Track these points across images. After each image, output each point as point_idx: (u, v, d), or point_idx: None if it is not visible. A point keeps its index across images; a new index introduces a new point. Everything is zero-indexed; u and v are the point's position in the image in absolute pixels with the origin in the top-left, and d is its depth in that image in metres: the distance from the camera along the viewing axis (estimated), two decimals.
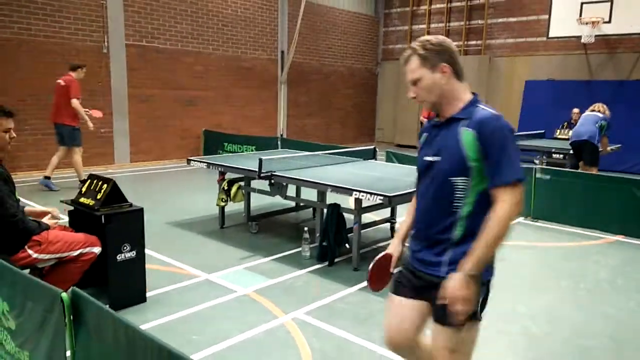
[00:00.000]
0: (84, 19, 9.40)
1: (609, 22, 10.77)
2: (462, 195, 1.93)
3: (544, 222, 6.43)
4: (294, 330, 3.39)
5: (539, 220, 6.49)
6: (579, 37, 11.20)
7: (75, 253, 3.29)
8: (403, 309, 2.17)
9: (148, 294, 3.81)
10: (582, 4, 11.06)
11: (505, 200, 1.84)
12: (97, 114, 8.03)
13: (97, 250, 3.43)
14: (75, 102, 7.40)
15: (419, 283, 2.07)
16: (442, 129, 1.99)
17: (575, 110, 10.67)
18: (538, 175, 6.50)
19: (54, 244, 3.27)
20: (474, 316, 1.93)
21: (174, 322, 3.48)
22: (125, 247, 3.59)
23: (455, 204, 1.95)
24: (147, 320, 3.47)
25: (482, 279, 1.90)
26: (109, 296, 3.59)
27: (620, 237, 5.85)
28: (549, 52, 12.74)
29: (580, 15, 11.05)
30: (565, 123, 10.74)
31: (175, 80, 10.92)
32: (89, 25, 9.49)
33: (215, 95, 11.72)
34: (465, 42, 14.42)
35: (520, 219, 6.58)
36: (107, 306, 3.52)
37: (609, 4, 10.77)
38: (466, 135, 1.89)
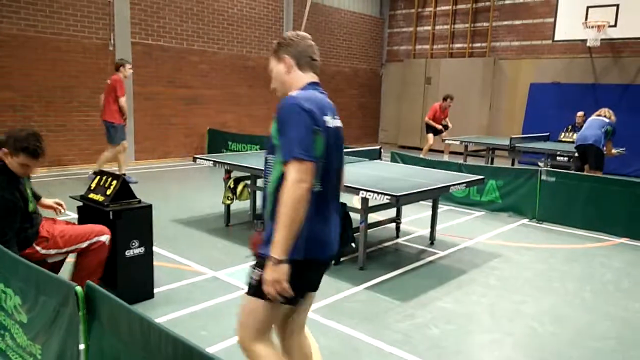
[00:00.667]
0: (90, 17, 9.43)
1: (615, 25, 10.77)
2: (270, 172, 2.03)
3: (549, 224, 6.44)
4: None
5: (543, 222, 6.50)
6: (585, 41, 11.20)
7: (84, 245, 3.31)
8: None
9: (155, 290, 3.83)
10: (588, 7, 11.06)
11: (287, 178, 1.86)
12: None
13: (104, 238, 3.39)
14: (122, 101, 7.73)
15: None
16: None
17: (580, 113, 10.68)
18: (543, 177, 6.50)
19: (61, 238, 3.29)
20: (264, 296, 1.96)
21: (182, 318, 3.49)
22: (134, 243, 3.60)
23: (267, 181, 2.04)
24: (156, 317, 3.47)
25: (288, 258, 1.87)
26: (118, 291, 3.60)
27: (624, 240, 5.86)
28: (554, 55, 12.74)
29: (586, 18, 11.05)
30: (570, 126, 10.75)
31: (180, 78, 10.94)
32: (95, 22, 9.51)
33: (220, 94, 11.74)
34: (471, 45, 14.43)
35: (525, 221, 6.60)
36: None
37: (615, 7, 10.76)
38: (274, 117, 2.02)
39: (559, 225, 6.38)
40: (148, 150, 10.53)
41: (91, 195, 3.72)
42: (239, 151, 10.44)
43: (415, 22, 15.45)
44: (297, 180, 1.83)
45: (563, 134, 10.68)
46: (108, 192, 3.64)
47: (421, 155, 10.60)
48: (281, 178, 1.91)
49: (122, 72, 7.82)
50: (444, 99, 11.07)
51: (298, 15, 12.99)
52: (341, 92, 15.03)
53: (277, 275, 1.86)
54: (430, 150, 11.36)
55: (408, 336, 3.36)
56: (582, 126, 10.63)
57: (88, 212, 3.74)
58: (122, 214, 3.55)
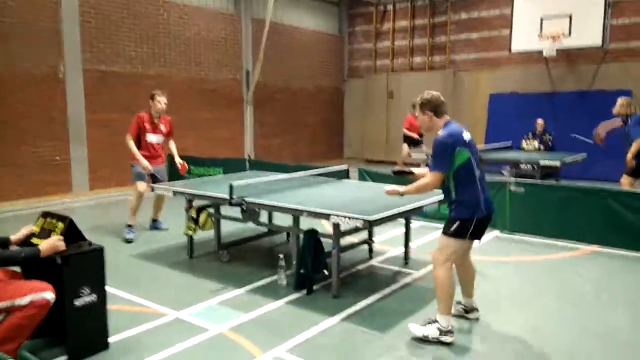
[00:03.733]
0: (37, 44, 8.96)
1: (569, 35, 11.04)
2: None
3: (521, 235, 6.37)
4: None
5: (516, 233, 6.43)
6: (541, 51, 11.44)
7: (24, 301, 2.92)
8: None
9: (111, 339, 3.46)
10: (542, 19, 11.32)
11: (428, 177, 3.50)
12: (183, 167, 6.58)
13: (49, 295, 3.03)
14: (126, 138, 6.32)
15: None
16: None
17: (540, 121, 10.82)
18: (512, 188, 6.45)
19: None
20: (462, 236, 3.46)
21: None
22: (84, 291, 3.25)
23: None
24: None
25: (469, 216, 3.42)
26: (67, 346, 3.24)
27: (595, 247, 5.83)
28: (512, 66, 12.99)
29: (541, 30, 11.30)
30: (531, 133, 10.86)
31: (136, 104, 10.45)
32: (42, 49, 9.05)
33: (179, 119, 11.32)
34: (430, 58, 14.58)
35: (497, 233, 6.51)
36: (66, 357, 3.20)
37: (568, 18, 11.05)
38: None
39: (531, 235, 6.32)
40: (104, 179, 10.02)
41: (34, 240, 3.35)
42: (202, 175, 10.08)
43: (375, 38, 15.54)
44: (432, 182, 3.46)
45: (524, 142, 10.79)
46: (53, 236, 3.28)
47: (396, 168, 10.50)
48: (456, 172, 3.44)
49: (150, 103, 6.49)
50: (414, 107, 11.07)
51: (257, 35, 12.81)
52: (305, 109, 14.89)
53: (394, 194, 3.74)
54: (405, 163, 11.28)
55: None
56: (542, 133, 10.82)
57: (31, 260, 3.36)
58: (70, 260, 3.19)
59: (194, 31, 11.57)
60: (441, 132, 3.46)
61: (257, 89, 12.97)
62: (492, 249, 5.86)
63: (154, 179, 6.47)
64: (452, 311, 3.72)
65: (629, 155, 6.98)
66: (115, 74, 10.10)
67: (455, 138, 3.40)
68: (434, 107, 3.52)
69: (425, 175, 3.55)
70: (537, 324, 3.84)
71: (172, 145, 6.72)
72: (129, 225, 6.36)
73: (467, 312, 3.92)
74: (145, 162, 6.20)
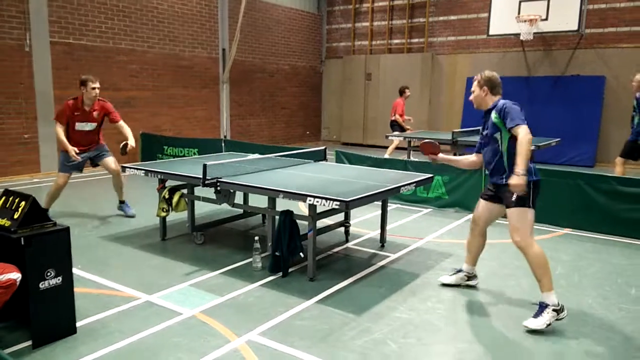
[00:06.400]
0: (2, 15, 8.53)
1: (546, 19, 11.09)
2: (495, 148, 3.72)
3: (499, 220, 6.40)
4: (250, 356, 3.07)
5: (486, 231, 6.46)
6: (518, 35, 11.47)
7: None
8: (482, 205, 4.02)
9: (79, 324, 3.35)
10: (520, 2, 11.33)
11: (519, 133, 3.43)
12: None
13: (14, 276, 2.93)
14: (55, 126, 5.98)
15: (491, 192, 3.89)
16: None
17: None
18: (487, 171, 6.47)
19: None
20: (527, 204, 3.54)
21: (110, 355, 3.05)
22: (49, 273, 3.11)
23: (497, 152, 3.69)
24: (79, 356, 3.02)
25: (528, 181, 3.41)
26: (32, 331, 3.11)
27: (568, 230, 5.93)
28: (489, 50, 13.02)
29: (519, 13, 11.32)
30: None
31: (108, 80, 10.16)
32: (8, 21, 8.62)
33: (153, 96, 11.07)
34: (408, 40, 14.50)
35: (471, 215, 6.54)
36: (30, 342, 3.08)
37: (545, 2, 11.08)
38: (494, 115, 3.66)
39: (505, 218, 6.36)
40: None
41: None
42: (176, 156, 9.87)
43: (353, 18, 15.35)
44: (526, 133, 3.40)
45: None
46: (16, 216, 3.12)
47: (386, 156, 10.47)
48: (510, 139, 3.54)
49: (82, 90, 6.00)
50: (403, 92, 11.01)
51: (234, 12, 12.50)
52: (282, 90, 14.68)
53: (522, 180, 3.33)
54: (397, 148, 11.22)
55: (365, 355, 3.10)
56: None
57: None
58: (34, 240, 3.05)
59: (167, 4, 11.20)
60: (502, 101, 3.62)
61: (233, 68, 12.70)
62: (466, 232, 5.86)
63: (92, 161, 6.25)
64: (455, 280, 4.16)
65: None
66: (84, 48, 9.72)
67: (518, 106, 3.56)
68: (493, 85, 3.71)
69: (468, 156, 4.09)
70: (513, 307, 3.87)
71: (124, 129, 6.15)
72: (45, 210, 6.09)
73: (470, 279, 4.18)
74: (72, 152, 5.80)
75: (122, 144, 5.95)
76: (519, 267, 4.77)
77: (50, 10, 9.15)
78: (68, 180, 6.14)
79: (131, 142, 6.03)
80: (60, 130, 5.92)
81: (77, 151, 5.88)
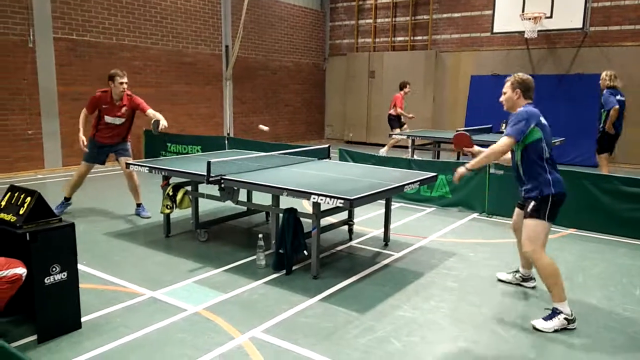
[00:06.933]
0: (5, 11, 8.53)
1: (551, 17, 11.05)
2: (516, 158, 3.78)
3: (499, 218, 6.42)
4: (253, 353, 3.07)
5: (493, 216, 6.48)
6: (522, 33, 11.43)
7: None
8: (517, 213, 4.04)
9: (83, 319, 3.36)
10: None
11: (499, 144, 3.55)
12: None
13: (20, 271, 2.95)
14: (82, 112, 6.17)
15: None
16: None
17: None
18: (492, 170, 6.47)
19: None
20: (541, 216, 3.51)
21: (115, 350, 3.06)
22: (54, 269, 3.12)
23: (518, 163, 3.76)
24: (84, 350, 3.04)
25: (543, 194, 3.52)
26: (37, 325, 3.12)
27: (573, 231, 5.91)
28: (493, 47, 12.98)
29: (523, 10, 11.27)
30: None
31: None
32: (11, 17, 8.62)
33: (156, 93, 11.06)
34: (412, 37, 14.46)
35: (475, 215, 6.55)
36: (36, 336, 3.09)
37: None
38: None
39: (508, 218, 6.28)
40: (78, 155, 9.66)
41: (1, 216, 3.20)
42: (179, 153, 9.87)
43: (357, 15, 15.31)
44: (502, 144, 3.51)
45: (504, 124, 10.84)
46: (21, 211, 3.14)
47: (382, 152, 10.47)
48: (523, 151, 3.59)
49: (110, 85, 6.02)
50: (403, 88, 11.09)
51: (237, 9, 12.48)
52: (284, 87, 14.67)
53: (461, 170, 3.69)
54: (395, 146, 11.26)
55: (369, 353, 3.10)
56: None
57: None
58: (39, 236, 3.06)
59: (170, 1, 11.18)
60: (523, 108, 3.58)
61: (236, 65, 12.68)
62: (470, 231, 5.90)
63: (116, 154, 6.25)
64: (510, 278, 4.26)
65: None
66: (87, 44, 9.72)
67: (534, 115, 3.52)
68: (526, 88, 3.64)
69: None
70: (514, 307, 3.87)
71: (154, 115, 6.04)
72: (66, 198, 6.28)
73: (525, 280, 4.22)
74: (81, 141, 5.99)
75: (153, 122, 5.89)
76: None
77: (54, 6, 9.15)
78: (90, 170, 6.26)
79: (163, 121, 5.86)
80: (82, 116, 6.04)
81: (85, 142, 5.98)
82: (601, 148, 8.21)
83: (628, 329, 3.51)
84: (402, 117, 11.27)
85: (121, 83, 5.98)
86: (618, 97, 7.91)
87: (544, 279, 3.53)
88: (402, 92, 11.13)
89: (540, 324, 3.45)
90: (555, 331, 3.41)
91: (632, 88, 11.30)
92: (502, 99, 3.76)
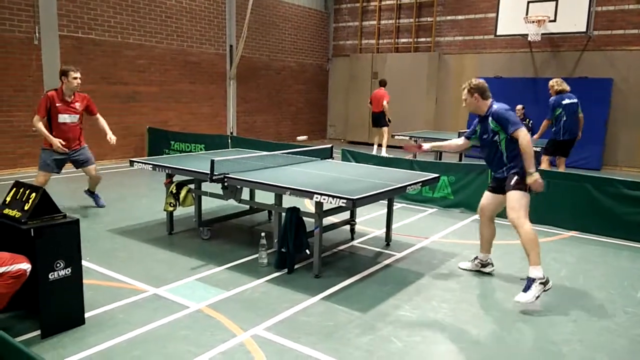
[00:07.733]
0: (11, 8, 8.58)
1: (555, 20, 11.05)
2: (496, 147, 4.13)
3: (500, 219, 6.37)
4: (255, 350, 3.09)
5: (495, 218, 6.46)
6: (525, 36, 11.44)
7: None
8: (488, 196, 4.41)
9: (87, 315, 3.38)
10: (528, 2, 11.29)
11: (521, 137, 3.91)
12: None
13: (25, 266, 2.98)
14: (34, 120, 5.83)
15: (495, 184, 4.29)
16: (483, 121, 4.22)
17: (519, 107, 10.93)
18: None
19: None
20: (522, 188, 3.97)
21: (118, 346, 3.08)
22: (58, 264, 3.15)
23: (497, 151, 4.12)
24: (88, 346, 3.06)
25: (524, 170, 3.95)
26: (41, 320, 3.15)
27: (574, 233, 5.92)
28: (496, 50, 12.99)
29: (527, 13, 11.28)
30: None
31: (115, 74, 10.24)
32: (17, 14, 8.67)
33: (160, 91, 11.10)
34: (415, 39, 14.48)
35: (477, 216, 6.54)
36: (39, 332, 3.12)
37: (554, 3, 11.04)
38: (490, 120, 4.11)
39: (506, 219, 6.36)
40: None
41: (6, 211, 3.23)
42: (182, 151, 9.91)
43: (361, 16, 15.34)
44: (525, 134, 3.87)
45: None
46: (26, 207, 3.16)
47: (383, 151, 10.51)
48: (508, 141, 4.00)
49: (64, 81, 5.91)
50: (381, 84, 11.42)
51: (241, 9, 12.52)
52: (288, 87, 14.70)
53: (537, 177, 3.87)
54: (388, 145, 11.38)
55: (370, 352, 3.12)
56: (522, 119, 10.89)
57: (2, 232, 3.24)
58: (44, 231, 3.08)
59: (175, 0, 11.22)
60: (498, 105, 4.08)
61: (240, 64, 12.72)
62: (471, 232, 5.90)
63: (75, 163, 6.14)
64: (470, 266, 4.57)
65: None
66: (92, 42, 9.77)
67: (512, 110, 4.09)
68: (482, 91, 4.10)
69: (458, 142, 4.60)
70: (515, 309, 3.88)
71: (101, 122, 6.22)
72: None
73: (484, 266, 4.54)
74: (57, 143, 5.75)
75: (110, 139, 6.02)
76: (522, 268, 4.78)
77: (60, 3, 9.19)
78: (48, 180, 6.01)
79: (110, 134, 6.05)
80: (40, 124, 5.77)
81: (63, 143, 5.83)
82: (546, 150, 8.26)
83: (629, 332, 3.52)
84: (386, 113, 11.52)
85: (75, 78, 5.89)
86: (566, 100, 7.89)
87: (524, 243, 3.92)
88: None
89: (522, 297, 3.78)
90: (537, 297, 3.75)
91: (635, 92, 11.31)
92: (464, 105, 4.23)
